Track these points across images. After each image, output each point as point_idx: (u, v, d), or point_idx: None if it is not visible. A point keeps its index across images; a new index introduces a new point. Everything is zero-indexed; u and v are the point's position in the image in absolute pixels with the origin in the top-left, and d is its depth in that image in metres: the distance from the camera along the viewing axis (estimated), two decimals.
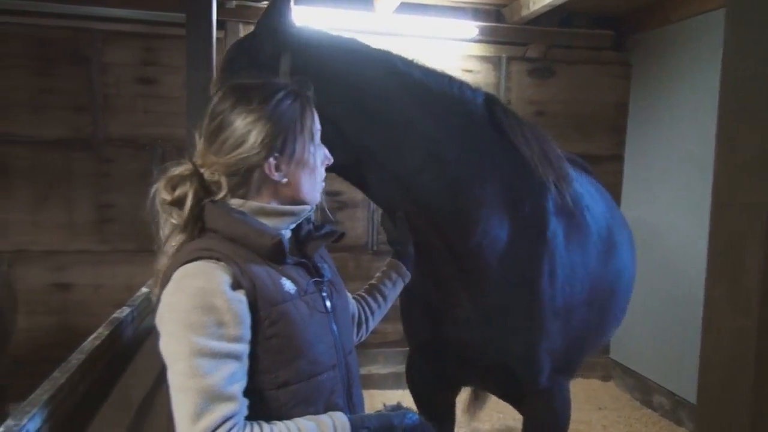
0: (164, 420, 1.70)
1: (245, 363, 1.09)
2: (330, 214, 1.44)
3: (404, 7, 4.24)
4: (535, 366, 1.86)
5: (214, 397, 1.02)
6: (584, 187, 2.27)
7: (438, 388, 2.18)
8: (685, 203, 4.15)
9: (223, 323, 1.06)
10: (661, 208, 4.41)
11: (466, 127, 1.77)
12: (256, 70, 1.60)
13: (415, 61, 1.87)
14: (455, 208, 1.70)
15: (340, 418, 1.17)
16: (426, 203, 1.68)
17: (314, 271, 1.27)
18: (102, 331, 1.47)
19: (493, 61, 4.71)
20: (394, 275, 1.65)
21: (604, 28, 4.81)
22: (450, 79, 1.84)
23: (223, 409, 1.02)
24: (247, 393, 1.08)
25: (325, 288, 1.27)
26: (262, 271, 1.14)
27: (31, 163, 4.09)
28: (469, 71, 4.66)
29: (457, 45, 4.64)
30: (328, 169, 1.41)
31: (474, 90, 1.88)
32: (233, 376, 1.05)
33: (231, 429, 1.02)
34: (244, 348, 1.09)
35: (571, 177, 2.03)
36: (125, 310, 1.66)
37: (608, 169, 4.77)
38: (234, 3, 4.24)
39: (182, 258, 1.12)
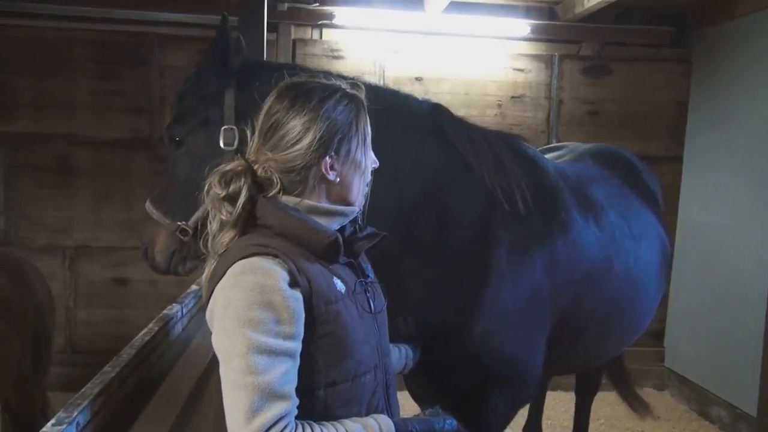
0: (210, 416, 1.75)
1: (297, 361, 1.09)
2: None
3: (454, 6, 4.21)
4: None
5: (269, 395, 1.02)
6: (586, 193, 2.19)
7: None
8: (748, 207, 3.95)
9: (281, 320, 1.06)
10: (722, 212, 4.21)
11: (404, 138, 1.75)
12: (203, 104, 1.68)
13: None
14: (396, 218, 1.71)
15: (385, 421, 1.17)
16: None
17: (360, 272, 1.28)
18: (152, 327, 1.52)
19: (545, 60, 4.61)
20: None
21: (663, 24, 4.63)
22: (394, 93, 1.86)
23: (277, 408, 1.02)
24: (296, 392, 1.08)
25: (369, 289, 1.28)
26: (315, 270, 1.15)
27: (93, 162, 4.28)
28: (520, 70, 4.58)
29: (508, 44, 4.57)
30: None
31: (420, 101, 1.88)
32: (287, 374, 1.05)
33: (284, 428, 1.02)
34: (297, 346, 1.09)
35: (537, 184, 1.89)
36: (174, 307, 1.71)
37: (666, 170, 4.59)
38: (285, 5, 4.30)
39: (238, 253, 1.11)
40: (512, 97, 4.59)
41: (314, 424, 1.09)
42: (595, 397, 3.27)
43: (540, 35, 4.54)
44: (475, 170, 1.79)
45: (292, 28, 4.38)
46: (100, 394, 1.11)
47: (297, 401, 1.07)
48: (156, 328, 1.51)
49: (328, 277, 1.17)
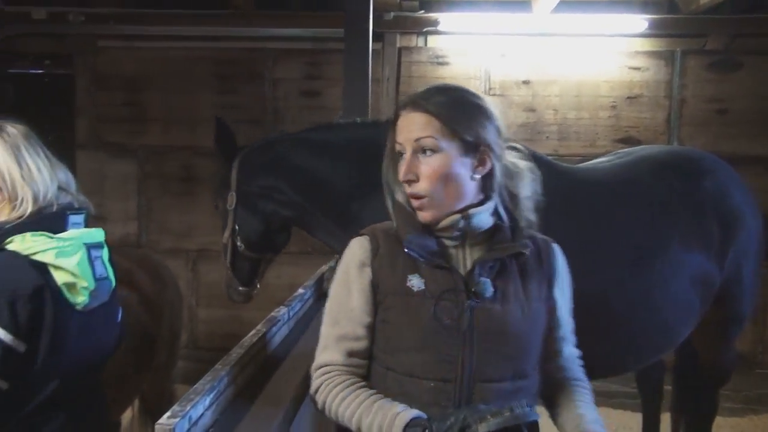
0: (313, 415, 1.79)
1: (360, 330, 1.20)
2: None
3: (563, 6, 4.04)
4: None
5: (327, 345, 1.22)
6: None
7: None
8: None
9: (349, 291, 1.22)
10: None
11: (360, 161, 2.01)
12: (221, 178, 2.33)
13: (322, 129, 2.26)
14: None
15: (402, 418, 1.08)
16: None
17: (460, 283, 1.17)
18: (260, 329, 1.58)
19: (665, 57, 4.31)
20: None
21: None
22: (357, 123, 2.24)
23: (327, 357, 1.21)
24: (371, 362, 1.22)
25: (471, 304, 1.15)
26: (394, 259, 1.20)
27: (214, 171, 4.58)
28: (636, 68, 4.31)
29: (623, 41, 4.32)
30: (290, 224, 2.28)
31: (367, 124, 2.22)
32: (345, 336, 1.20)
33: (326, 373, 1.20)
34: (358, 317, 1.20)
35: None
36: (281, 310, 1.77)
37: None
38: (392, 15, 4.36)
39: None
40: (627, 98, 4.33)
41: (352, 386, 1.18)
42: (726, 423, 2.96)
43: (659, 30, 4.24)
44: None
45: (398, 37, 4.43)
46: (211, 390, 1.16)
47: (354, 362, 1.21)
48: (264, 330, 1.57)
49: (405, 269, 1.18)
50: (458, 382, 1.14)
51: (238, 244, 2.29)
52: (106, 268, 1.48)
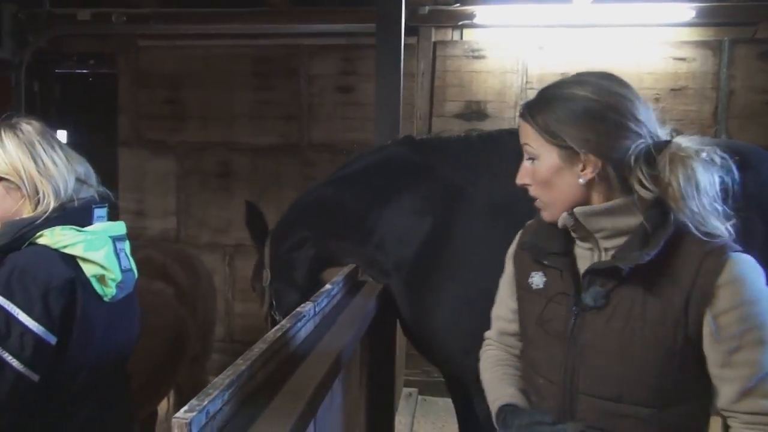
0: (335, 411, 1.78)
1: (509, 314, 1.34)
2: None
3: None
4: None
5: (491, 320, 1.42)
6: None
7: None
8: None
9: (503, 278, 1.38)
10: None
11: (384, 186, 2.15)
12: (260, 262, 2.47)
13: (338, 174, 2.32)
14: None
15: (497, 403, 1.25)
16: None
17: (570, 286, 1.15)
18: (284, 324, 1.58)
19: (713, 46, 4.13)
20: None
21: None
22: (365, 154, 2.32)
23: (488, 332, 1.42)
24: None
25: (577, 311, 1.13)
26: (527, 255, 1.27)
27: (250, 167, 4.64)
28: (682, 59, 4.15)
29: (667, 31, 4.17)
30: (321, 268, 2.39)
31: (385, 149, 2.26)
32: (499, 316, 1.38)
33: (484, 346, 1.41)
34: (506, 302, 1.35)
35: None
36: (308, 305, 1.77)
37: None
38: (427, 9, 4.32)
39: None
40: (672, 90, 4.17)
41: (497, 361, 1.34)
42: None
43: (706, 19, 4.07)
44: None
45: (433, 31, 4.38)
46: (230, 385, 1.16)
47: (504, 339, 1.36)
48: (288, 325, 1.57)
49: (530, 267, 1.26)
50: (560, 385, 1.15)
51: (277, 317, 2.37)
52: (129, 260, 1.51)
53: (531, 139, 1.17)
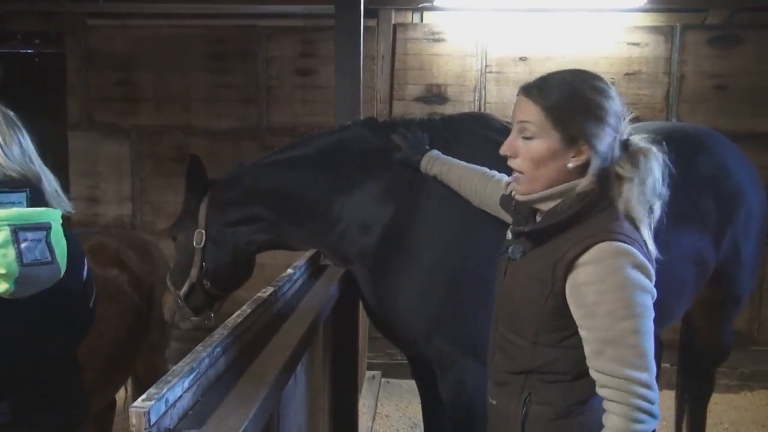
0: (299, 398, 1.78)
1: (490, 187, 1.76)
2: None
3: None
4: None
5: None
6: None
7: None
8: None
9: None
10: None
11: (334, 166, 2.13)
12: (187, 211, 2.29)
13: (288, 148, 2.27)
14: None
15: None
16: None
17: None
18: (245, 309, 1.56)
19: (665, 32, 4.23)
20: None
21: None
22: (325, 133, 2.25)
23: None
24: None
25: (508, 260, 1.39)
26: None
27: (208, 151, 4.53)
28: (635, 44, 4.24)
29: (621, 16, 4.25)
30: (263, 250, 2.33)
31: (347, 129, 2.22)
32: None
33: None
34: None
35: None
36: (268, 290, 1.75)
37: None
38: None
39: None
40: (626, 74, 4.26)
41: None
42: (721, 400, 2.98)
43: (659, 5, 4.17)
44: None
45: (393, 13, 4.35)
46: (190, 372, 1.14)
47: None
48: (249, 310, 1.55)
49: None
50: (494, 315, 1.45)
51: (204, 282, 2.27)
52: (49, 252, 1.32)
53: (534, 118, 1.26)
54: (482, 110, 4.31)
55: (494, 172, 1.81)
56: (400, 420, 3.88)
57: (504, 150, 1.32)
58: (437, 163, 1.93)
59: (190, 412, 1.12)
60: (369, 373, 4.27)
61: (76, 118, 4.61)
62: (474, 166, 1.87)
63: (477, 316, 1.99)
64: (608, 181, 1.25)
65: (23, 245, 1.26)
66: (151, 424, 0.97)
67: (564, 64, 4.56)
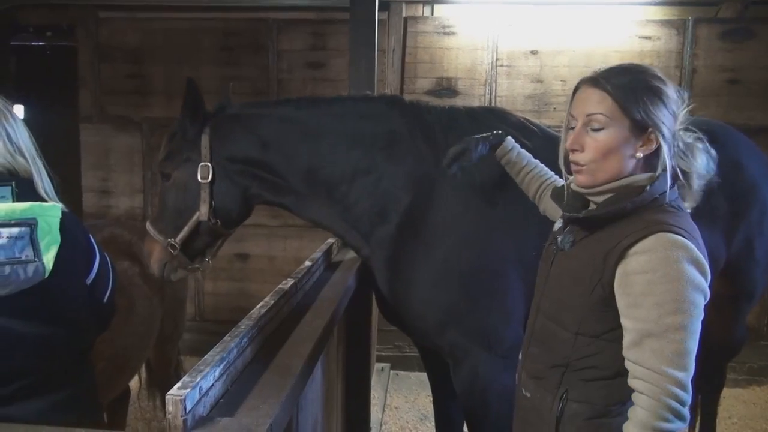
0: (322, 387, 1.81)
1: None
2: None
3: None
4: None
5: None
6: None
7: None
8: None
9: None
10: None
11: (358, 138, 2.04)
12: (187, 144, 2.06)
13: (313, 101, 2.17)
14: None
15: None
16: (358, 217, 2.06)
17: (561, 230, 1.44)
18: (268, 300, 1.58)
19: (677, 25, 4.22)
20: None
21: None
22: (349, 101, 2.15)
23: None
24: None
25: (556, 250, 1.40)
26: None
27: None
28: (647, 38, 4.23)
29: (633, 9, 4.24)
30: (260, 203, 2.14)
31: (372, 99, 2.17)
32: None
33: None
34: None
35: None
36: (289, 282, 1.77)
37: None
38: None
39: None
40: None
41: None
42: (729, 394, 2.99)
43: None
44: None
45: (404, 6, 4.35)
46: (220, 361, 1.17)
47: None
48: (271, 302, 1.57)
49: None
50: (535, 305, 1.45)
51: (213, 220, 2.07)
52: (34, 249, 1.24)
53: (605, 108, 1.25)
54: (493, 104, 4.32)
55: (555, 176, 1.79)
56: (409, 412, 3.91)
57: (571, 145, 1.31)
58: (514, 156, 1.85)
59: (221, 400, 1.15)
60: (378, 365, 4.31)
61: (87, 111, 4.63)
62: (541, 165, 1.84)
63: (491, 310, 2.01)
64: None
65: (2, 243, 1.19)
66: (187, 411, 1.00)
67: (575, 58, 4.57)
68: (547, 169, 1.82)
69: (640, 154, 1.25)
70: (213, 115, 2.10)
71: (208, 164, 2.02)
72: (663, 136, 1.23)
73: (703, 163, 1.28)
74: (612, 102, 1.24)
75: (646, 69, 1.29)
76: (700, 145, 1.28)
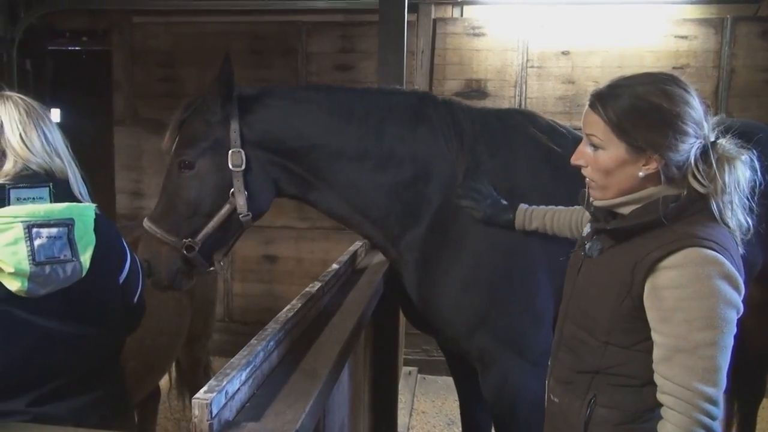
0: (347, 392, 1.79)
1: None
2: None
3: None
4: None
5: None
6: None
7: None
8: None
9: None
10: None
11: (384, 131, 1.96)
12: (210, 129, 1.90)
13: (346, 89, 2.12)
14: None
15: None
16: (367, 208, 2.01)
17: (589, 238, 1.42)
18: (295, 303, 1.58)
19: (714, 24, 4.10)
20: None
21: None
22: (378, 93, 2.09)
23: None
24: None
25: (584, 257, 1.40)
26: None
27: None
28: (683, 37, 4.12)
29: (669, 8, 4.13)
30: (283, 196, 2.02)
31: (404, 93, 2.11)
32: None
33: None
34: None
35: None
36: (316, 285, 1.76)
37: None
38: None
39: None
40: (673, 68, 4.14)
41: None
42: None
43: None
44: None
45: (433, 8, 4.32)
46: (247, 365, 1.16)
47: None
48: (299, 305, 1.56)
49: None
50: (562, 312, 1.44)
51: (245, 213, 1.88)
52: (71, 249, 1.26)
53: (599, 131, 1.25)
54: (523, 106, 4.26)
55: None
56: (436, 416, 3.88)
57: (575, 159, 1.32)
58: (535, 216, 1.88)
59: (248, 404, 1.14)
60: (405, 369, 4.28)
61: (121, 114, 4.72)
62: (561, 207, 1.86)
63: (522, 314, 1.97)
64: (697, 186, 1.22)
65: (37, 242, 1.21)
66: (213, 415, 0.99)
67: (608, 59, 4.47)
68: (563, 208, 1.85)
69: (642, 174, 1.23)
70: (240, 97, 1.94)
71: (240, 150, 1.84)
72: (665, 158, 1.20)
73: (739, 176, 1.21)
74: (607, 128, 1.24)
75: (656, 85, 1.22)
76: (743, 157, 1.22)
